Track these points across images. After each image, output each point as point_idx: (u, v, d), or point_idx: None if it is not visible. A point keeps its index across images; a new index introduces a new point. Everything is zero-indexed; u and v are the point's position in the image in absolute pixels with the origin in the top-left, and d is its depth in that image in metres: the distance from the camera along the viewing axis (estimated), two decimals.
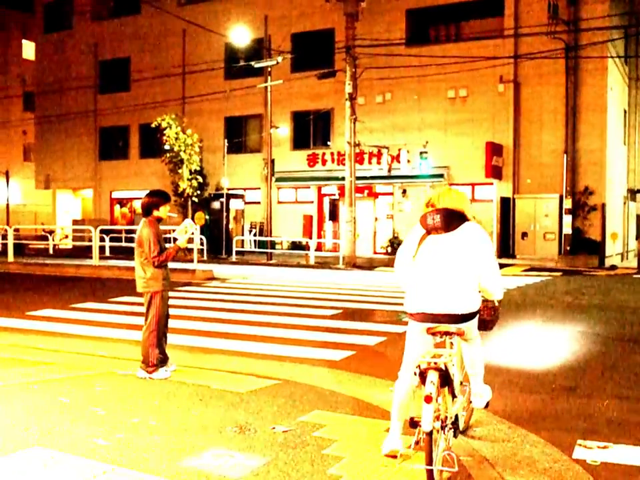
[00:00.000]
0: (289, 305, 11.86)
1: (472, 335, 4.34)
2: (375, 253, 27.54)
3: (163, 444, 4.32)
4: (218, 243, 26.38)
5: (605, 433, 4.97)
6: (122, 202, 35.70)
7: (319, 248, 26.25)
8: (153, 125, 27.45)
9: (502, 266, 21.18)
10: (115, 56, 34.64)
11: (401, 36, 26.15)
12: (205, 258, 24.28)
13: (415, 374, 3.92)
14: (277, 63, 24.25)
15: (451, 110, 25.79)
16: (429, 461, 3.65)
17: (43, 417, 4.84)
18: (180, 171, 27.65)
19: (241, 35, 24.99)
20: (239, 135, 30.86)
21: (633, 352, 8.18)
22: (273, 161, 25.79)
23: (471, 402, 4.63)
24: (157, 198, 6.04)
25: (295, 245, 27.29)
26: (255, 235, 28.87)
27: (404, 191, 26.69)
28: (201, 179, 28.53)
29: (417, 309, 4.20)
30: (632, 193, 30.17)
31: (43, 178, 37.99)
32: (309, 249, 23.66)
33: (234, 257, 24.95)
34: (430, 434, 3.64)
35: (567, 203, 23.50)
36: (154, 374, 6.19)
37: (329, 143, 28.58)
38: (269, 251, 25.16)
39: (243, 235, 27.84)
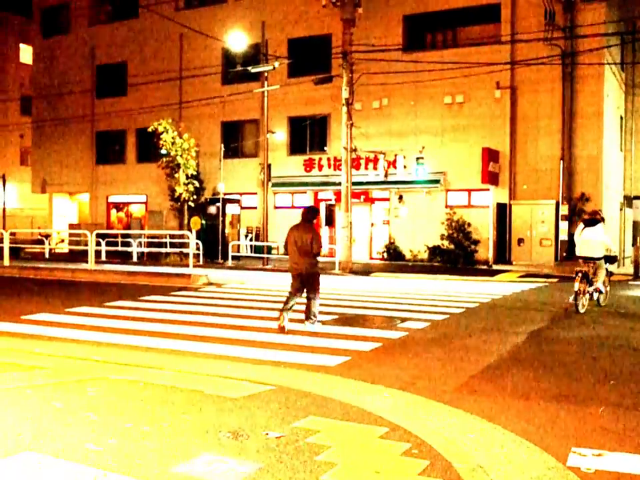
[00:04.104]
0: None
1: (601, 267, 12.38)
2: (371, 258, 27.54)
3: (156, 449, 4.29)
4: (214, 247, 26.35)
5: (600, 440, 4.95)
6: (118, 206, 35.64)
7: None
8: (149, 130, 27.52)
9: (498, 272, 21.26)
10: (112, 60, 34.65)
11: (397, 42, 26.23)
12: (201, 263, 24.24)
13: (576, 274, 11.92)
14: (274, 68, 24.26)
15: (448, 116, 25.84)
16: (576, 301, 11.83)
17: (35, 422, 4.81)
18: (176, 175, 27.68)
19: (238, 40, 24.99)
20: (236, 139, 30.89)
21: (626, 358, 8.18)
22: (269, 166, 25.77)
23: (600, 290, 12.67)
24: (316, 212, 10.20)
25: None
26: (251, 239, 28.85)
27: (400, 197, 26.72)
28: (197, 184, 28.56)
29: (579, 254, 12.42)
30: (628, 200, 30.22)
31: (39, 182, 37.94)
32: None
33: (230, 262, 24.91)
34: (577, 293, 11.79)
35: (563, 209, 23.54)
36: (316, 323, 9.91)
37: (325, 148, 28.60)
38: (265, 256, 25.12)
39: (239, 239, 27.81)
